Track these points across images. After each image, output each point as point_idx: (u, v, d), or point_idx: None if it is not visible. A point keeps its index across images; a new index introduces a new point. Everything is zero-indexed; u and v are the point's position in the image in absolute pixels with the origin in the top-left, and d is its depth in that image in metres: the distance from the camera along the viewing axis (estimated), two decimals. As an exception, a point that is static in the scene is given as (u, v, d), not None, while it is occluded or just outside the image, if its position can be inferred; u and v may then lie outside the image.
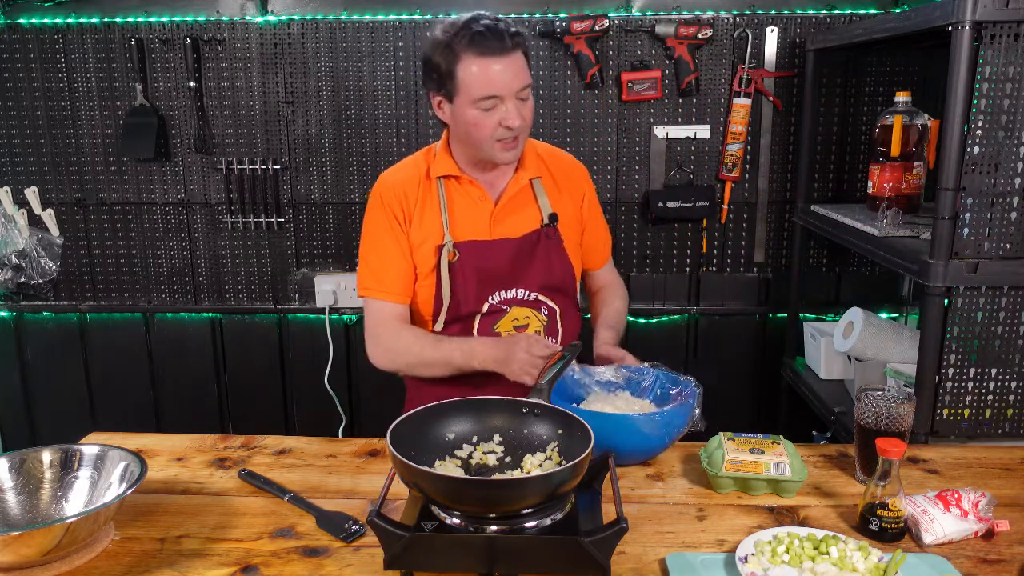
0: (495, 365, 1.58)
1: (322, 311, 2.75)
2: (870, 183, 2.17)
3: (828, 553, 1.13)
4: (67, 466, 1.30)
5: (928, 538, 1.22)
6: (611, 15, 2.55)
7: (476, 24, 1.56)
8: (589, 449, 1.13)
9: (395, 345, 1.71)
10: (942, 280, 1.68)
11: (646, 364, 1.65)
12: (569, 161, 1.86)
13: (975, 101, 1.60)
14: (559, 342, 1.76)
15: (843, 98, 2.61)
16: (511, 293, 1.72)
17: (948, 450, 1.57)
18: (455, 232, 1.69)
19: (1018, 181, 1.64)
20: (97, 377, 2.89)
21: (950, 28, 1.59)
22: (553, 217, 1.74)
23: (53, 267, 2.74)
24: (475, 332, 1.71)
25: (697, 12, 2.57)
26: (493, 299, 1.71)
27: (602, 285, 1.94)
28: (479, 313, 1.71)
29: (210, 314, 2.82)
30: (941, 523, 1.22)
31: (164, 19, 2.61)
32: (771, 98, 2.59)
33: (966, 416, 1.75)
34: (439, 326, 1.72)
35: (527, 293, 1.73)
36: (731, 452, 1.38)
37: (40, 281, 2.74)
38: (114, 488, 1.25)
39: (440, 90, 1.62)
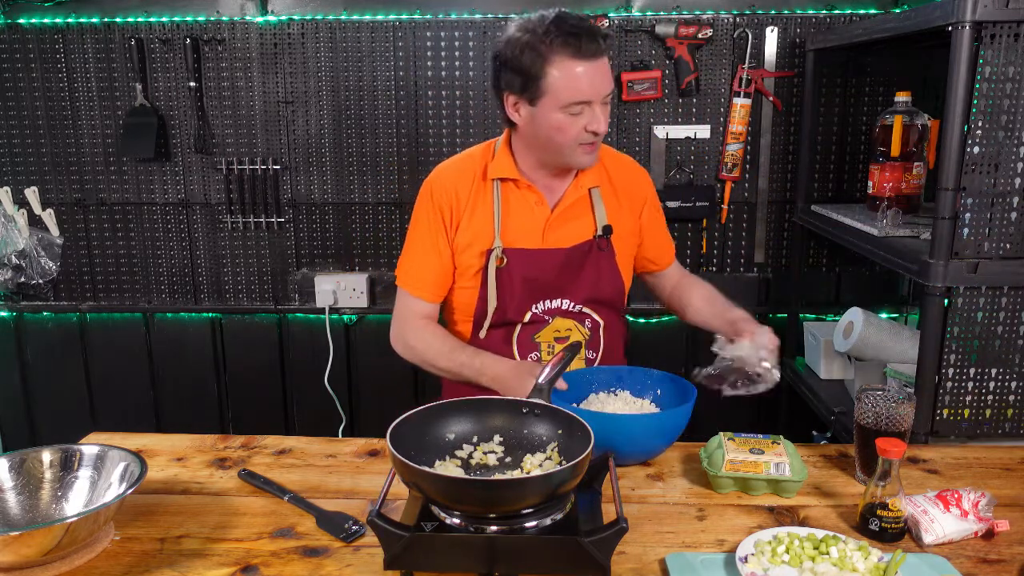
0: (503, 389, 1.57)
1: (322, 311, 2.75)
2: (870, 183, 2.17)
3: (828, 553, 1.13)
4: (67, 466, 1.30)
5: (928, 538, 1.21)
6: (611, 15, 2.55)
7: (565, 24, 1.49)
8: (589, 449, 1.13)
9: (414, 343, 1.70)
10: (942, 280, 1.68)
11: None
12: (631, 168, 1.79)
13: (975, 101, 1.60)
14: (599, 356, 1.74)
15: (843, 98, 2.61)
16: (555, 303, 1.68)
17: (948, 450, 1.57)
18: (506, 237, 1.65)
19: (1018, 181, 1.64)
20: (97, 377, 2.89)
21: (950, 28, 1.59)
22: (607, 229, 1.69)
23: (53, 267, 2.74)
24: (515, 340, 1.69)
25: (697, 12, 2.57)
26: (536, 308, 1.68)
27: (676, 282, 1.88)
28: (520, 322, 1.68)
29: (210, 314, 2.82)
30: (941, 523, 1.22)
31: (164, 19, 2.61)
32: (771, 98, 2.59)
33: (966, 416, 1.75)
34: (483, 332, 1.69)
35: (572, 304, 1.69)
36: (731, 452, 1.38)
37: (40, 281, 2.74)
38: (114, 488, 1.25)
39: (521, 93, 1.54)
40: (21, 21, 2.63)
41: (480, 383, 1.62)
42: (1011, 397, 1.75)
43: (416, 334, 1.70)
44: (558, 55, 1.48)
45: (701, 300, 1.80)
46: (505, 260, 1.64)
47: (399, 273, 1.73)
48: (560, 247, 1.67)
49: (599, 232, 1.69)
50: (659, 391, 1.60)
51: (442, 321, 1.78)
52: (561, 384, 1.52)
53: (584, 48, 1.48)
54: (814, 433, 2.48)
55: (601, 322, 1.72)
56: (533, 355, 1.70)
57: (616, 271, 1.72)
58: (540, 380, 1.38)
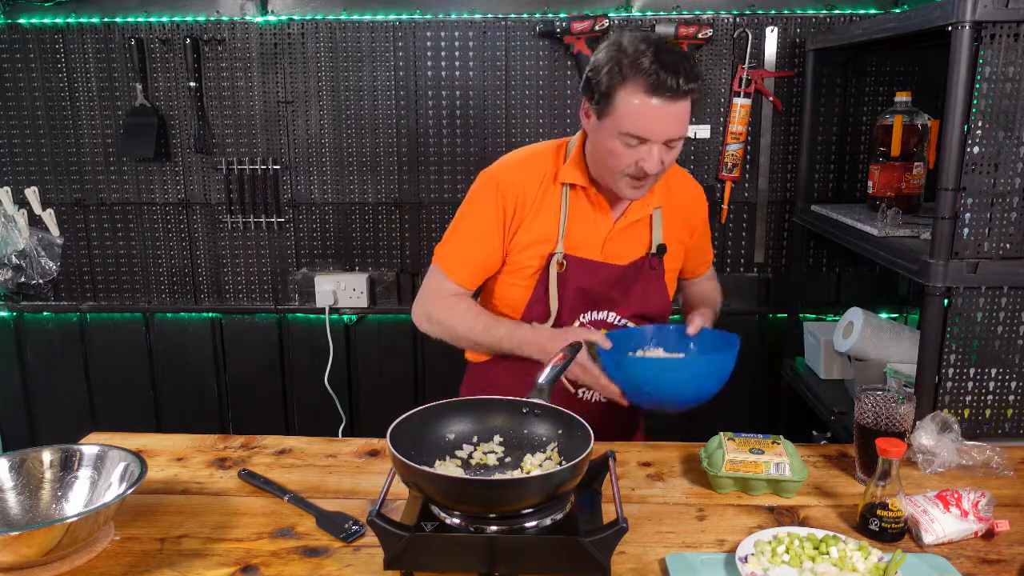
0: (544, 357, 1.50)
1: (322, 311, 2.75)
2: (870, 183, 2.17)
3: (828, 553, 1.13)
4: (67, 466, 1.30)
5: (928, 538, 1.22)
6: (611, 15, 2.55)
7: (657, 54, 1.43)
8: (589, 449, 1.13)
9: (441, 317, 1.66)
10: (942, 280, 1.68)
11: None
12: (690, 187, 1.77)
13: (975, 101, 1.60)
14: None
15: (843, 98, 2.61)
16: (603, 315, 1.67)
17: (948, 450, 1.57)
18: (568, 244, 1.62)
19: (1018, 181, 1.64)
20: (97, 377, 2.89)
21: (950, 28, 1.59)
22: (661, 248, 1.68)
23: (53, 267, 2.74)
24: None
25: (697, 12, 2.57)
26: (584, 318, 1.66)
27: (699, 284, 1.91)
28: (572, 325, 1.65)
29: (210, 314, 2.82)
30: (941, 523, 1.22)
31: (164, 19, 2.61)
32: (771, 98, 2.59)
33: (966, 416, 1.75)
34: (550, 322, 1.66)
35: (619, 318, 1.68)
36: (731, 452, 1.38)
37: (40, 281, 2.74)
38: (114, 488, 1.25)
39: (595, 103, 1.51)
40: (21, 21, 2.63)
41: (518, 355, 1.60)
42: (1011, 397, 1.75)
43: (446, 311, 1.65)
44: (633, 82, 1.43)
45: (693, 295, 1.87)
46: (565, 266, 1.61)
47: (439, 251, 1.68)
48: (617, 263, 1.65)
49: (652, 251, 1.68)
50: (692, 345, 1.64)
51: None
52: (604, 342, 1.53)
53: (662, 84, 1.42)
54: (814, 433, 2.48)
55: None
56: None
57: (664, 289, 1.71)
58: (540, 380, 1.37)
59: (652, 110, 1.44)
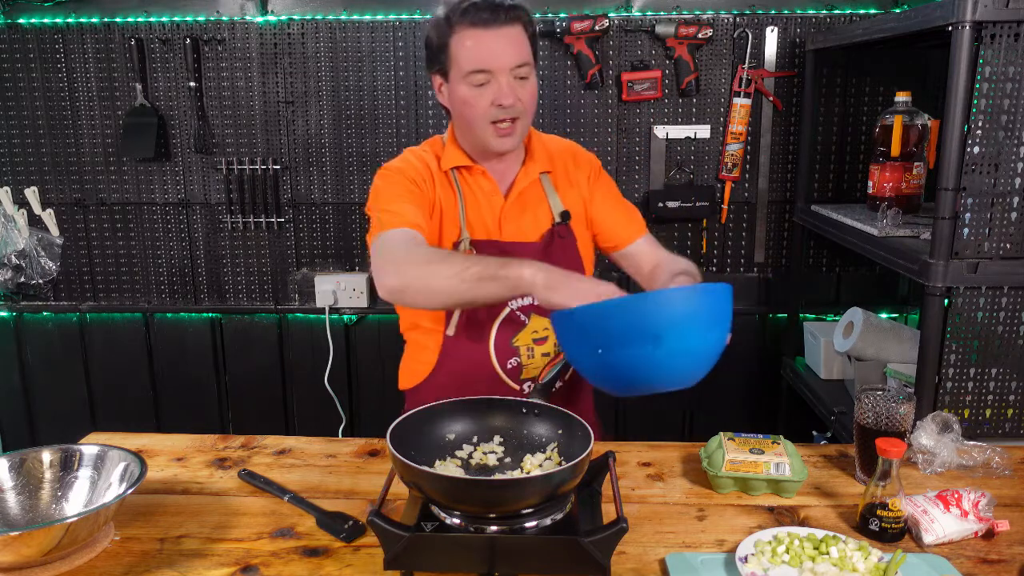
0: (565, 287, 1.21)
1: (322, 311, 2.75)
2: (870, 183, 2.17)
3: (828, 553, 1.13)
4: (67, 466, 1.30)
5: (928, 538, 1.21)
6: (611, 15, 2.55)
7: None
8: (589, 449, 1.13)
9: (407, 256, 1.38)
10: (942, 280, 1.68)
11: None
12: (571, 148, 1.72)
13: (975, 101, 1.60)
14: None
15: (843, 98, 2.61)
16: (528, 299, 1.56)
17: (948, 450, 1.57)
18: (471, 228, 1.58)
19: (1018, 181, 1.64)
20: (97, 377, 2.89)
21: (950, 28, 1.59)
22: (565, 215, 1.63)
23: (53, 267, 2.74)
24: (491, 343, 1.58)
25: (697, 12, 2.57)
26: (513, 304, 1.58)
27: (656, 262, 1.64)
28: (497, 317, 1.58)
29: (210, 314, 2.82)
30: (941, 523, 1.22)
31: (164, 19, 2.61)
32: (771, 98, 2.59)
33: (966, 416, 1.75)
34: (451, 330, 1.59)
35: None
36: (731, 452, 1.38)
37: (40, 281, 2.74)
38: (114, 488, 1.25)
39: (437, 68, 1.53)
40: (21, 21, 2.63)
41: (518, 293, 1.26)
42: (1011, 397, 1.75)
43: (409, 250, 1.39)
44: (459, 26, 1.47)
45: (655, 273, 1.60)
46: (474, 253, 1.54)
47: (373, 228, 1.51)
48: (527, 240, 1.59)
49: (557, 219, 1.62)
50: None
51: (400, 336, 1.69)
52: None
53: (482, 16, 1.45)
54: (814, 433, 2.49)
55: None
56: (513, 360, 1.59)
57: (578, 258, 1.64)
58: (541, 381, 1.37)
59: (482, 40, 1.46)
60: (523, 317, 1.59)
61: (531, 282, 1.23)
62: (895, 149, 2.06)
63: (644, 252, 1.68)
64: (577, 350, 1.18)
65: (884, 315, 2.57)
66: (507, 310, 1.58)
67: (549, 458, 1.25)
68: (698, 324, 1.13)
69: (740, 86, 2.56)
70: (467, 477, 1.21)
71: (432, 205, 1.57)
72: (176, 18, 2.61)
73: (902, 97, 2.07)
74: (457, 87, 1.50)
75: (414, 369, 1.69)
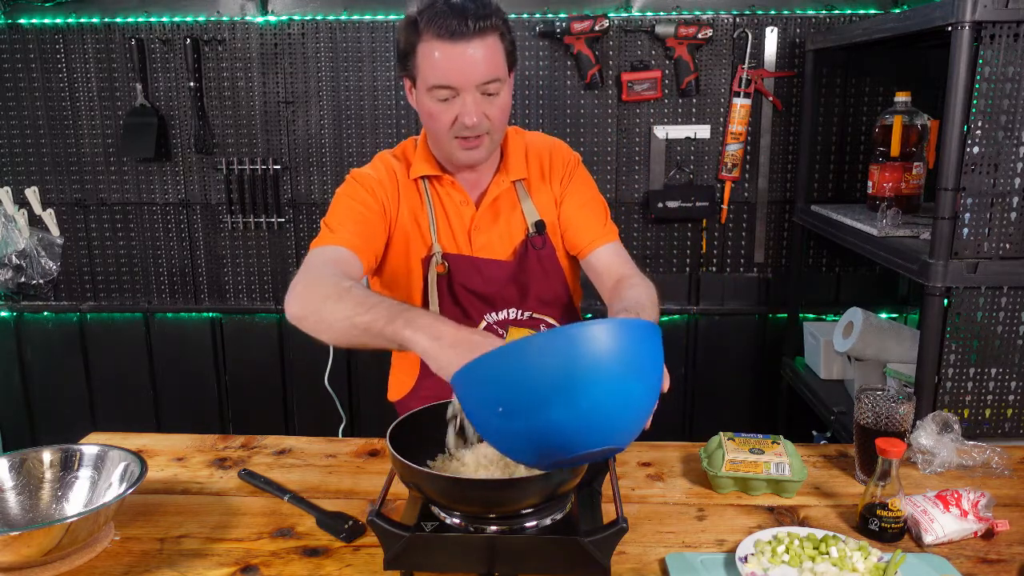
0: (466, 345, 1.07)
1: (322, 311, 2.75)
2: (870, 183, 2.17)
3: (828, 553, 1.13)
4: (67, 466, 1.30)
5: (928, 538, 1.22)
6: (611, 15, 2.55)
7: (441, 1, 1.35)
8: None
9: (314, 283, 1.27)
10: (942, 280, 1.68)
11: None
12: (550, 148, 1.60)
13: (975, 101, 1.60)
14: None
15: (843, 98, 2.61)
16: (503, 314, 1.56)
17: (948, 450, 1.57)
18: (443, 241, 1.53)
19: (1018, 181, 1.64)
20: (97, 377, 2.89)
21: (950, 28, 1.59)
22: (540, 225, 1.54)
23: (53, 267, 2.74)
24: None
25: (697, 12, 2.57)
26: (489, 318, 1.55)
27: (619, 278, 1.49)
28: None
29: (210, 314, 2.82)
30: (941, 523, 1.22)
31: (164, 19, 2.62)
32: (771, 98, 2.60)
33: (966, 416, 1.75)
34: None
35: (520, 312, 1.57)
36: (731, 452, 1.38)
37: (40, 281, 2.74)
38: (114, 488, 1.25)
39: (404, 72, 1.44)
40: (21, 21, 2.63)
41: (407, 351, 1.14)
42: (1011, 397, 1.75)
43: (318, 274, 1.29)
44: (426, 34, 1.35)
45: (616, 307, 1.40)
46: (447, 266, 1.50)
47: (316, 238, 1.45)
48: (499, 258, 1.53)
49: (532, 230, 1.54)
50: None
51: (384, 358, 1.59)
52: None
53: (448, 28, 1.32)
54: (814, 433, 2.49)
55: (557, 325, 1.59)
56: None
57: (558, 266, 1.57)
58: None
59: (449, 54, 1.34)
60: (500, 331, 1.56)
61: (422, 349, 1.10)
62: (895, 149, 2.06)
63: (606, 263, 1.53)
64: (478, 413, 0.99)
65: (884, 315, 2.57)
66: (483, 324, 1.56)
67: (549, 458, 1.25)
68: (611, 371, 0.94)
69: (740, 86, 2.56)
70: (467, 477, 1.21)
71: (392, 220, 1.51)
72: (176, 18, 2.61)
73: (902, 97, 2.07)
74: (422, 98, 1.42)
75: (400, 380, 1.70)
